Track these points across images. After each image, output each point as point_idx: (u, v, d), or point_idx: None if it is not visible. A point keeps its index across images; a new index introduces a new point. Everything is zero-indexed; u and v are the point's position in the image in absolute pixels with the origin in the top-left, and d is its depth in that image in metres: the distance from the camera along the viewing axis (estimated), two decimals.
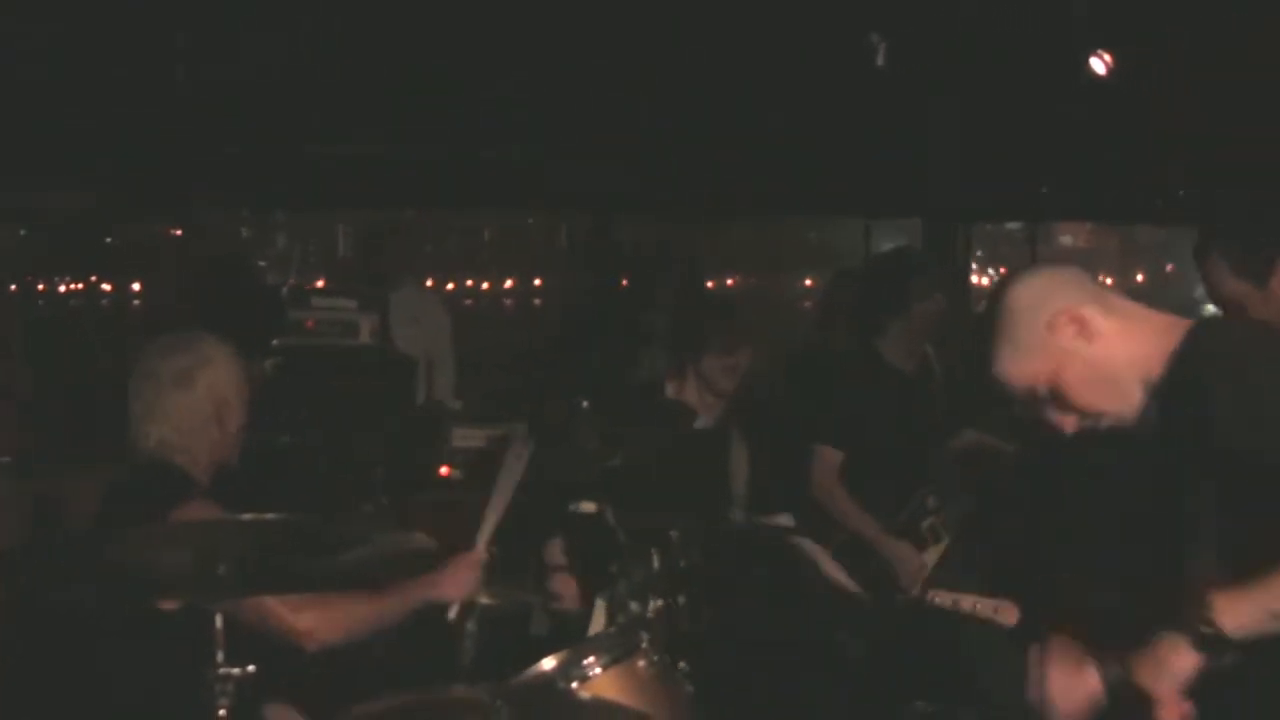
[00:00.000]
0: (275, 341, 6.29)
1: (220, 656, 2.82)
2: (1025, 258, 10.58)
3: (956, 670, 5.27)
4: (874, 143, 7.81)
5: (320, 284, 7.11)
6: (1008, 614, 4.61)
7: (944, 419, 5.69)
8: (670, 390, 5.20)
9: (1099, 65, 7.06)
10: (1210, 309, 4.46)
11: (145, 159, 7.31)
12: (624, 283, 9.08)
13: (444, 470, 6.60)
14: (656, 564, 4.16)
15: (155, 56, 6.32)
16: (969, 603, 4.58)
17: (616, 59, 7.10)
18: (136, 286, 11.13)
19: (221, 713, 2.80)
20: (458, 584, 3.75)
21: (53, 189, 7.86)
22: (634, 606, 3.86)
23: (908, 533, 5.42)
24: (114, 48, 6.32)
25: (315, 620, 3.44)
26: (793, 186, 8.85)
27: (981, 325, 2.97)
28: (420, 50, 6.78)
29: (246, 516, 2.94)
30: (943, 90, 7.29)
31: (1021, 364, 2.86)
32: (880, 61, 6.64)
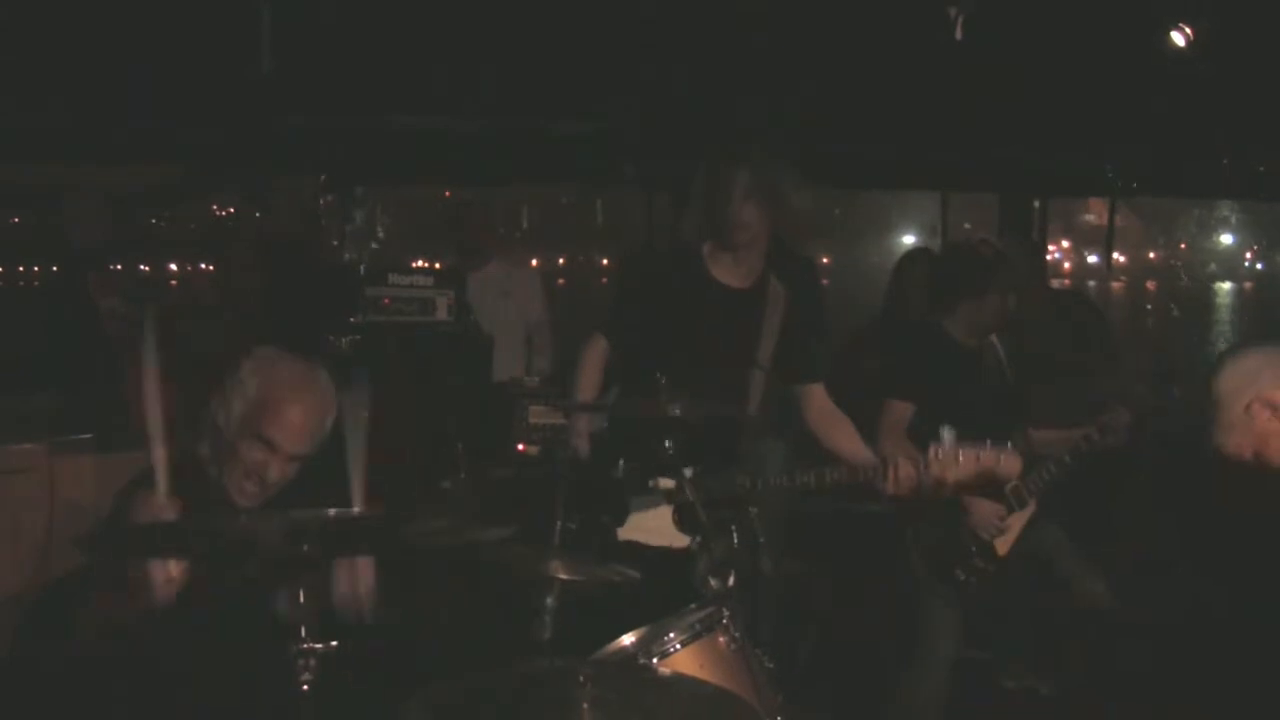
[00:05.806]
0: (352, 319, 6.32)
1: (303, 632, 2.83)
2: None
3: None
4: (952, 116, 7.73)
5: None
6: (1010, 463, 4.57)
7: (1009, 397, 5.68)
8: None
9: (1179, 38, 6.99)
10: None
11: (224, 133, 7.33)
12: None
13: (521, 447, 6.60)
14: (736, 539, 4.15)
15: (236, 30, 6.34)
16: (971, 453, 4.51)
17: (690, 35, 7.06)
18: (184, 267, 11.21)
19: (304, 688, 2.81)
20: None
21: (133, 164, 7.89)
22: (714, 583, 3.85)
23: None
24: (194, 20, 6.34)
25: None
26: (872, 159, 8.79)
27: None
28: (502, 21, 6.76)
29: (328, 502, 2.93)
30: (1020, 63, 7.21)
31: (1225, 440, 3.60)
32: (959, 35, 6.57)
